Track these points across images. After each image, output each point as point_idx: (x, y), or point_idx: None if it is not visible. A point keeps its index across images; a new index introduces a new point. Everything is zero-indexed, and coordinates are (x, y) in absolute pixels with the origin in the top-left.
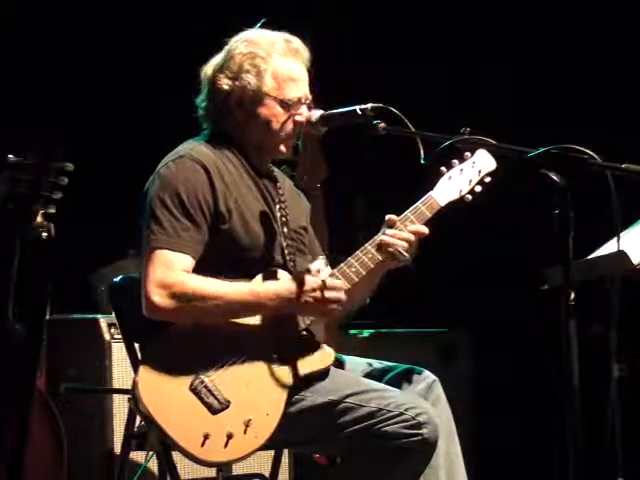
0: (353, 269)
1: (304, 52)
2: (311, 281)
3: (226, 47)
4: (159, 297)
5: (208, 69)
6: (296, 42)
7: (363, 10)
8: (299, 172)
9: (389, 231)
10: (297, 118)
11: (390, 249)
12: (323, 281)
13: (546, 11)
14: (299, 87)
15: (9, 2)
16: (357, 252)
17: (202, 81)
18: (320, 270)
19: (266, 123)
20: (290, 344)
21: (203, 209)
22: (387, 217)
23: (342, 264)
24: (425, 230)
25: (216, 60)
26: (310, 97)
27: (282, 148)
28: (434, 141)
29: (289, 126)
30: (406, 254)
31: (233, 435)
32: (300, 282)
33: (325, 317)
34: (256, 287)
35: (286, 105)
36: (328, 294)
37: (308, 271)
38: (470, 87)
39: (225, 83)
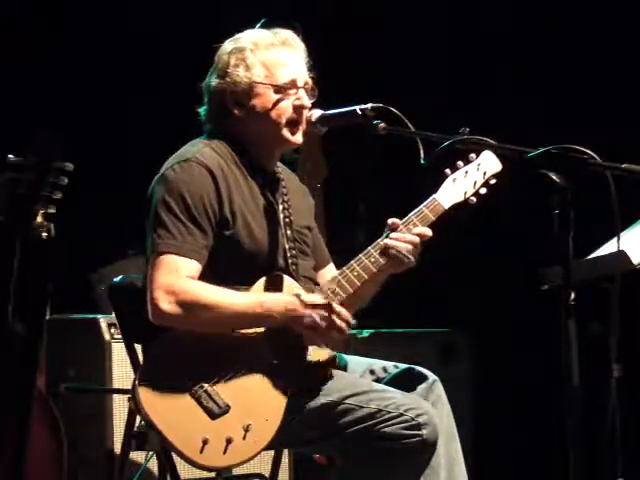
0: (355, 273)
1: (294, 41)
2: (322, 301)
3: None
4: (166, 304)
5: (205, 79)
6: (284, 33)
7: (363, 10)
8: (299, 172)
9: (394, 234)
10: (296, 102)
11: (394, 252)
12: (330, 305)
13: (546, 11)
14: (291, 70)
15: (9, 2)
16: (360, 255)
17: (203, 92)
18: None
19: (264, 113)
20: (291, 349)
21: (209, 214)
22: (390, 221)
23: (344, 268)
24: (429, 232)
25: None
26: (309, 82)
27: (285, 134)
28: (434, 141)
29: (289, 110)
30: (411, 257)
31: (232, 440)
32: (310, 300)
33: (324, 340)
34: (264, 298)
35: (280, 89)
36: (335, 319)
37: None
38: (470, 87)
39: (217, 83)
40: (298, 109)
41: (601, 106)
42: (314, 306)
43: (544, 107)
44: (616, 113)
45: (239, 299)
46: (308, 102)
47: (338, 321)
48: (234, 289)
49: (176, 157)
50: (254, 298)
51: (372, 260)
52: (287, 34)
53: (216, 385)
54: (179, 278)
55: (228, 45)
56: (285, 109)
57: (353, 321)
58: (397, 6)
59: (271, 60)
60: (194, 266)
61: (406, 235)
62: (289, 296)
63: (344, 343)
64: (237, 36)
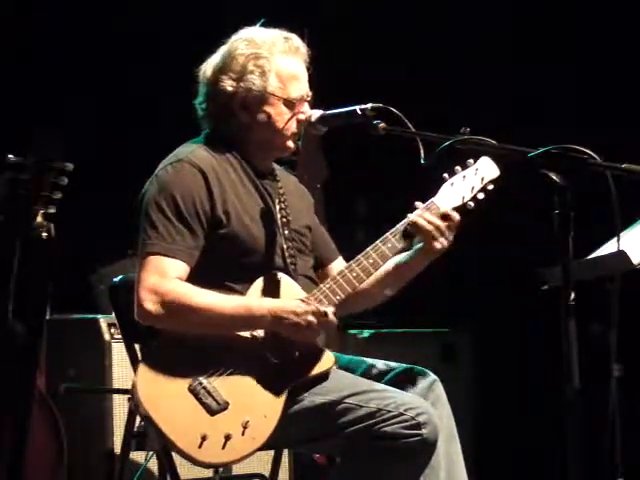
0: (354, 274)
1: (303, 49)
2: (306, 306)
3: (225, 47)
4: (150, 304)
5: (207, 69)
6: (295, 40)
7: (363, 10)
8: (299, 172)
9: (418, 211)
10: (300, 116)
11: (421, 222)
12: (317, 309)
13: (546, 11)
14: (301, 85)
15: (9, 3)
16: (359, 256)
17: (201, 81)
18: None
19: (271, 123)
20: (290, 347)
21: (200, 215)
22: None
23: (344, 268)
24: (456, 215)
25: (215, 60)
26: (311, 94)
27: (288, 144)
28: (434, 141)
29: (293, 124)
30: (444, 242)
31: (231, 436)
32: (296, 305)
33: (309, 339)
34: (249, 302)
35: (290, 104)
36: (311, 318)
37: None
38: (470, 87)
39: (229, 84)
40: (300, 122)
41: (601, 106)
42: (299, 311)
43: (544, 107)
44: (616, 113)
45: (224, 302)
46: (310, 113)
47: (321, 320)
48: (231, 289)
49: (169, 158)
50: (239, 301)
51: (370, 261)
52: (298, 42)
53: (215, 382)
54: (165, 279)
55: (243, 45)
56: (291, 123)
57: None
58: (397, 6)
59: (286, 72)
60: (182, 267)
61: (430, 216)
62: (275, 300)
63: (337, 343)
64: (251, 35)
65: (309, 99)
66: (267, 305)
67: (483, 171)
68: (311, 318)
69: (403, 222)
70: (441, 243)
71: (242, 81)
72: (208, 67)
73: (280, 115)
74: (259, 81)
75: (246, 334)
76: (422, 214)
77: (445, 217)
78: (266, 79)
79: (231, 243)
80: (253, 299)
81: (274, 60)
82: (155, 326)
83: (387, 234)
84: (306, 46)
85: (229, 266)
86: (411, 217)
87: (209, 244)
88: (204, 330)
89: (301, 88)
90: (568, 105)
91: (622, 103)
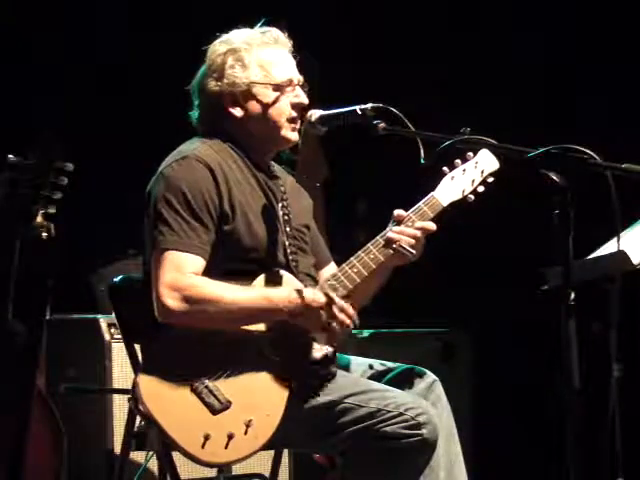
0: (355, 270)
1: (283, 38)
2: (324, 298)
3: (207, 55)
4: (172, 300)
5: (195, 81)
6: (273, 31)
7: (363, 10)
8: (299, 171)
9: (396, 228)
10: (294, 100)
11: (396, 246)
12: (331, 299)
13: (546, 11)
14: (286, 68)
15: (10, 3)
16: (359, 252)
17: (192, 94)
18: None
19: (263, 112)
20: (291, 346)
21: (210, 209)
22: (396, 212)
23: (344, 264)
24: (432, 226)
25: (200, 70)
26: (302, 80)
27: (286, 134)
28: (434, 141)
29: (287, 109)
30: (413, 251)
31: (234, 436)
32: (313, 294)
33: (326, 332)
34: (269, 292)
35: (278, 87)
36: (337, 313)
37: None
38: (470, 87)
39: (213, 85)
40: (297, 107)
41: (601, 106)
42: (317, 301)
43: (544, 107)
44: (616, 113)
45: (244, 294)
46: (306, 99)
47: (341, 315)
48: (237, 285)
49: (174, 155)
50: (259, 292)
51: (371, 257)
52: (277, 32)
53: (217, 381)
54: (183, 274)
55: (220, 46)
56: (284, 108)
57: (356, 318)
58: (397, 6)
59: (267, 59)
60: (198, 262)
61: (408, 229)
62: (293, 291)
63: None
64: (226, 37)
65: (301, 84)
66: (287, 294)
67: (483, 164)
68: (334, 309)
69: (381, 234)
70: (410, 255)
71: (224, 77)
72: (195, 79)
73: (270, 102)
74: (241, 73)
75: (247, 332)
76: (399, 230)
77: (422, 229)
78: (248, 70)
79: (235, 239)
80: (271, 289)
81: (253, 51)
82: (177, 323)
83: (368, 245)
84: (286, 36)
85: (231, 262)
86: (388, 234)
87: (215, 239)
88: (225, 324)
89: (286, 71)
90: (569, 105)
91: (622, 103)
